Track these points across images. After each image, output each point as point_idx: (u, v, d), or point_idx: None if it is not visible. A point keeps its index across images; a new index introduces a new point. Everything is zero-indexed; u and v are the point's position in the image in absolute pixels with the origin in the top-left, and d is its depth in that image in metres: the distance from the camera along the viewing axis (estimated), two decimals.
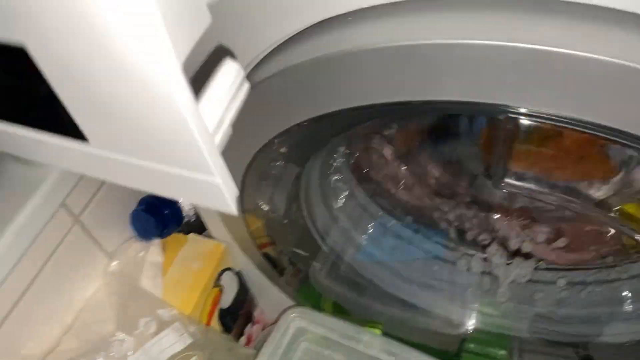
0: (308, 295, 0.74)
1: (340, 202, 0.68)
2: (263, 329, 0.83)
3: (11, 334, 0.58)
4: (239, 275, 0.78)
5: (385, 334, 0.68)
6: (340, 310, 0.72)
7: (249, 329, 0.81)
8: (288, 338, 0.67)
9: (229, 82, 0.31)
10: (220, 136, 0.31)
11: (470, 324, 0.72)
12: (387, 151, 0.70)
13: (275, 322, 0.75)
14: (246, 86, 0.33)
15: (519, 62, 0.33)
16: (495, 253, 0.73)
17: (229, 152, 0.32)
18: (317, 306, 0.73)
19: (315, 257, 0.70)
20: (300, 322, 0.68)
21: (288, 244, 0.69)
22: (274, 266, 0.71)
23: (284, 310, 0.69)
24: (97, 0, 0.23)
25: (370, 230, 0.71)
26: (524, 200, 0.66)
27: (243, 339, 0.80)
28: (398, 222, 0.74)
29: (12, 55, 0.28)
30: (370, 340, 0.65)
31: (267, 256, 0.69)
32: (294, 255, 0.71)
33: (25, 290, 0.58)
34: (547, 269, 0.71)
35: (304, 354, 0.67)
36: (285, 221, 0.67)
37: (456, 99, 0.38)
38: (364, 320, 0.70)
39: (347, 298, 0.71)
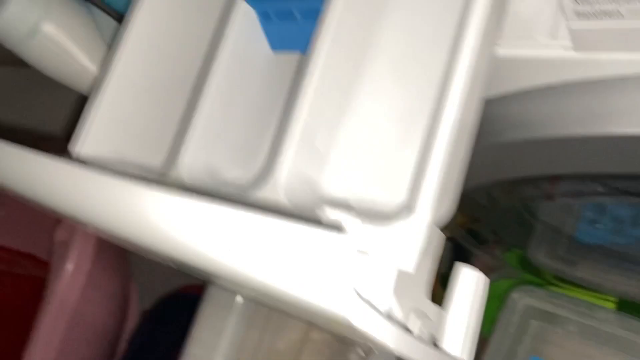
0: (517, 259, 0.73)
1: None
2: None
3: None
4: (452, 240, 0.79)
5: (620, 308, 0.66)
6: (562, 280, 0.70)
7: None
8: (517, 317, 0.69)
9: (470, 300, 0.30)
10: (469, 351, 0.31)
11: None
12: None
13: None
14: (488, 284, 0.31)
15: None
16: None
17: None
18: (531, 271, 0.72)
19: (526, 236, 0.68)
20: (527, 300, 0.69)
21: (494, 223, 0.68)
22: (474, 238, 0.71)
23: (510, 289, 0.70)
24: None
25: (587, 210, 0.65)
26: None
27: None
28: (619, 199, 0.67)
29: None
30: (605, 316, 0.64)
31: (468, 231, 0.69)
32: (499, 232, 0.70)
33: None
34: None
35: (536, 332, 0.68)
36: (491, 201, 0.64)
37: None
38: (594, 293, 0.68)
39: (569, 273, 0.69)
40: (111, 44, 0.48)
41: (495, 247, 0.74)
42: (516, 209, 0.65)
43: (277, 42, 0.35)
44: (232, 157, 0.35)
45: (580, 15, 0.30)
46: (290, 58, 0.36)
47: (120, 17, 0.54)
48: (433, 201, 0.24)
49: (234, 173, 0.35)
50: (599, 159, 0.40)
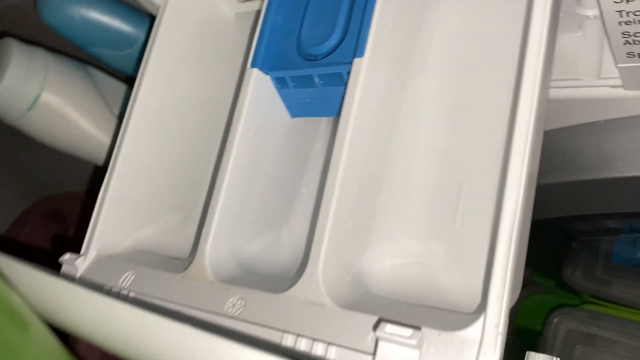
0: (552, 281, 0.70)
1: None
2: None
3: None
4: None
5: None
6: (600, 299, 0.67)
7: None
8: (560, 343, 0.65)
9: None
10: None
11: None
12: None
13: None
14: None
15: None
16: None
17: None
18: (567, 290, 0.69)
19: (560, 258, 0.65)
20: (568, 323, 0.65)
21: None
22: None
23: (549, 311, 0.67)
24: None
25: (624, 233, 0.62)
26: None
27: None
28: None
29: None
30: None
31: None
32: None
33: None
34: None
35: (582, 357, 0.64)
36: None
37: None
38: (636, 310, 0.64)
39: (607, 292, 0.66)
40: (119, 114, 0.46)
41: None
42: (551, 236, 0.62)
43: (296, 109, 0.32)
44: (256, 234, 0.32)
45: (631, 54, 0.27)
46: (309, 122, 0.34)
47: (123, 77, 0.51)
48: (507, 300, 0.21)
49: (261, 253, 0.32)
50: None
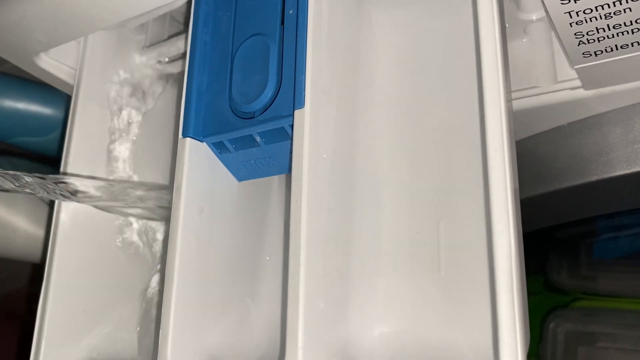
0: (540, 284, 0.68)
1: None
2: None
3: None
4: None
5: None
6: (591, 294, 0.65)
7: None
8: (562, 348, 0.63)
9: None
10: None
11: None
12: None
13: None
14: None
15: None
16: None
17: None
18: (557, 291, 0.67)
19: (544, 260, 0.63)
20: (566, 326, 0.63)
21: None
22: None
23: (544, 316, 0.64)
24: None
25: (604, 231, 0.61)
26: None
27: None
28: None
29: None
30: None
31: None
32: None
33: None
34: None
35: (586, 356, 0.62)
36: None
37: None
38: (631, 300, 0.63)
39: (595, 287, 0.64)
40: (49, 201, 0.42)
41: None
42: (531, 245, 0.60)
43: (242, 172, 0.29)
44: (220, 320, 0.28)
45: (587, 54, 0.26)
46: (259, 181, 0.30)
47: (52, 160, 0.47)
48: (521, 349, 0.18)
49: (230, 340, 0.28)
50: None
